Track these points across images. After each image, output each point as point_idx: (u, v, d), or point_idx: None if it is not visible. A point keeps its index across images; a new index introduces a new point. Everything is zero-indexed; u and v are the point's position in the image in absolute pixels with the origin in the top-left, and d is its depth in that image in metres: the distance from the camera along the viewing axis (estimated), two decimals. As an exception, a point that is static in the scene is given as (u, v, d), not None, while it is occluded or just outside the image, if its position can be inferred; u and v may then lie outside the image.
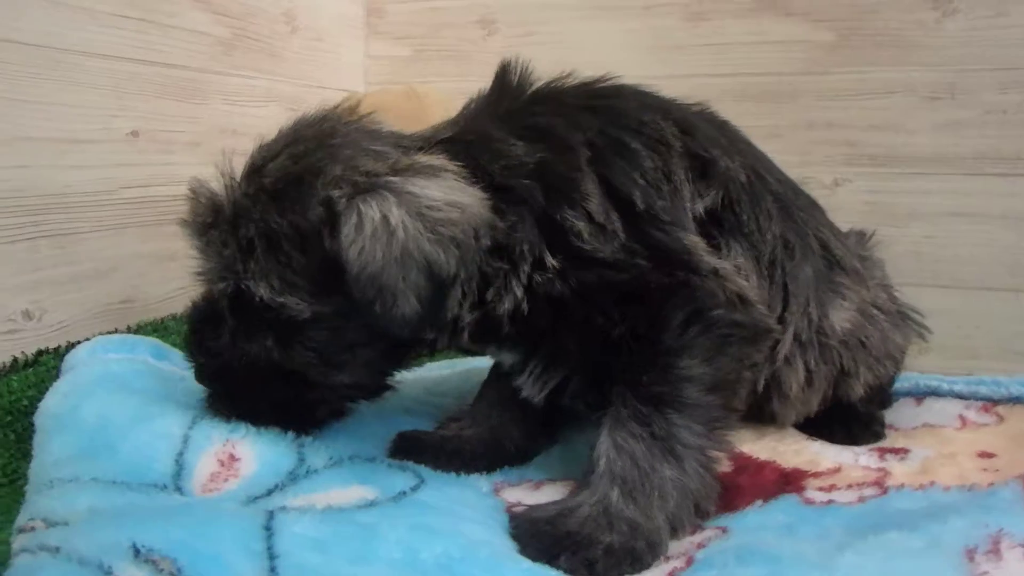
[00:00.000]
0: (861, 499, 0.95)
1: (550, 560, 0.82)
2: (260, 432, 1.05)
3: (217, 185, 0.95)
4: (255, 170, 0.93)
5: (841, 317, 1.08)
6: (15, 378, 1.13)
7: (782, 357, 1.03)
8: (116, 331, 1.31)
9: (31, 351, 1.19)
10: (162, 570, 0.73)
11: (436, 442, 1.10)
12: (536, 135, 0.95)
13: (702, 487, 0.90)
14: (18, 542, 0.78)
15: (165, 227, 1.43)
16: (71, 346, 1.20)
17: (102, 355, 1.16)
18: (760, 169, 1.06)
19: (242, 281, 0.90)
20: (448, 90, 1.88)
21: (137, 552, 0.74)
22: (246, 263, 0.90)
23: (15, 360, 1.17)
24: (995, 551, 0.78)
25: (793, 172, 1.15)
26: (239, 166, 0.96)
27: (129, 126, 1.34)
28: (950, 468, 1.01)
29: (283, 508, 0.87)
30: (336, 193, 0.86)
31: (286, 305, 0.90)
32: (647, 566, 0.84)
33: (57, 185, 1.23)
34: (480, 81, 1.88)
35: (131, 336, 1.28)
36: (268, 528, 0.80)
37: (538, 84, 1.03)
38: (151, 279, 1.43)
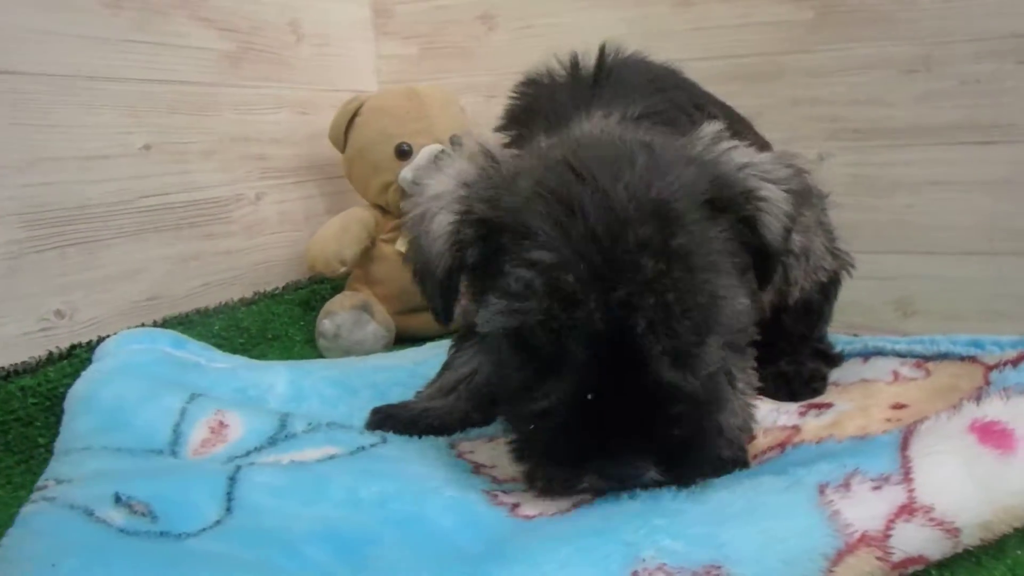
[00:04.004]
0: (760, 462, 1.03)
1: None
2: (247, 404, 1.22)
3: None
4: None
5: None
6: (51, 369, 1.29)
7: None
8: (143, 325, 1.47)
9: (65, 346, 1.35)
10: (136, 512, 0.88)
11: (406, 413, 1.21)
12: None
13: None
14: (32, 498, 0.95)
15: (184, 231, 1.60)
16: (101, 340, 1.36)
17: (126, 346, 1.33)
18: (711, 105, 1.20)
19: None
20: (456, 85, 2.02)
21: (119, 499, 0.89)
22: None
23: (50, 354, 1.33)
24: (845, 485, 0.84)
25: (780, 148, 1.19)
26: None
27: (141, 141, 1.49)
28: (858, 420, 1.09)
29: (251, 464, 1.01)
30: None
31: None
32: None
33: (79, 198, 1.39)
34: (483, 75, 2.03)
35: (154, 329, 1.44)
36: (232, 479, 0.95)
37: None
38: (175, 278, 1.59)
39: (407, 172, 1.71)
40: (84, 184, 1.40)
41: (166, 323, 1.52)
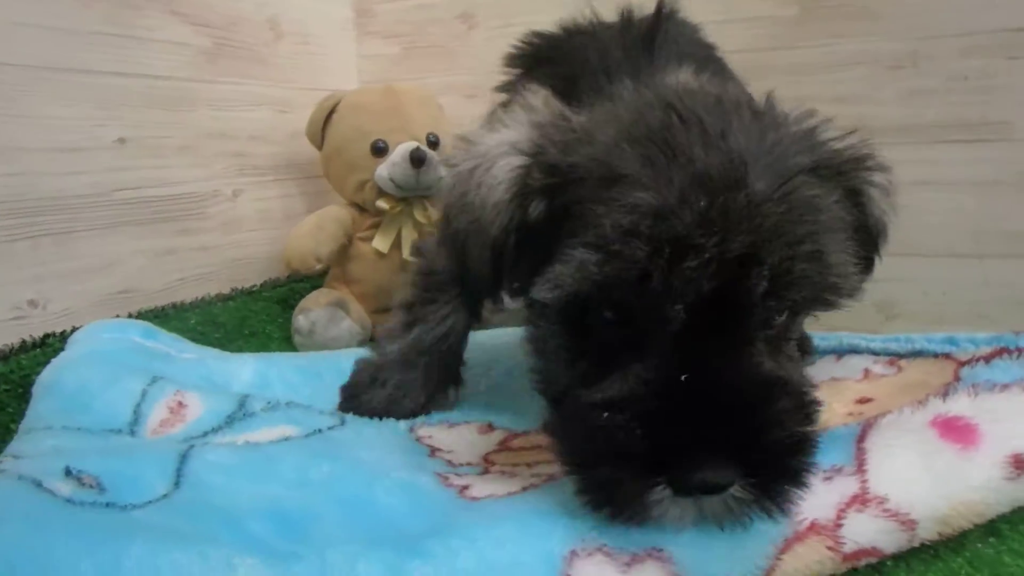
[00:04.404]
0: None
1: None
2: (207, 386, 1.23)
3: None
4: None
5: None
6: (23, 357, 1.30)
7: None
8: (118, 317, 1.47)
9: (38, 335, 1.35)
10: (84, 484, 0.89)
11: (374, 400, 1.18)
12: None
13: None
14: (-14, 472, 0.95)
15: (160, 225, 1.60)
16: (75, 330, 1.36)
17: (96, 335, 1.34)
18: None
19: None
20: (436, 84, 2.01)
21: (69, 472, 0.90)
22: None
23: (23, 342, 1.33)
24: None
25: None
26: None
27: (115, 134, 1.50)
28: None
29: (205, 443, 1.02)
30: None
31: None
32: None
33: (51, 189, 1.39)
34: (464, 75, 2.02)
35: (125, 320, 1.45)
36: (184, 456, 0.96)
37: None
38: (150, 272, 1.59)
39: (383, 169, 1.70)
40: (56, 176, 1.40)
41: (141, 316, 1.52)
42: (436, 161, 1.70)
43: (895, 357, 1.29)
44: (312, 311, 1.66)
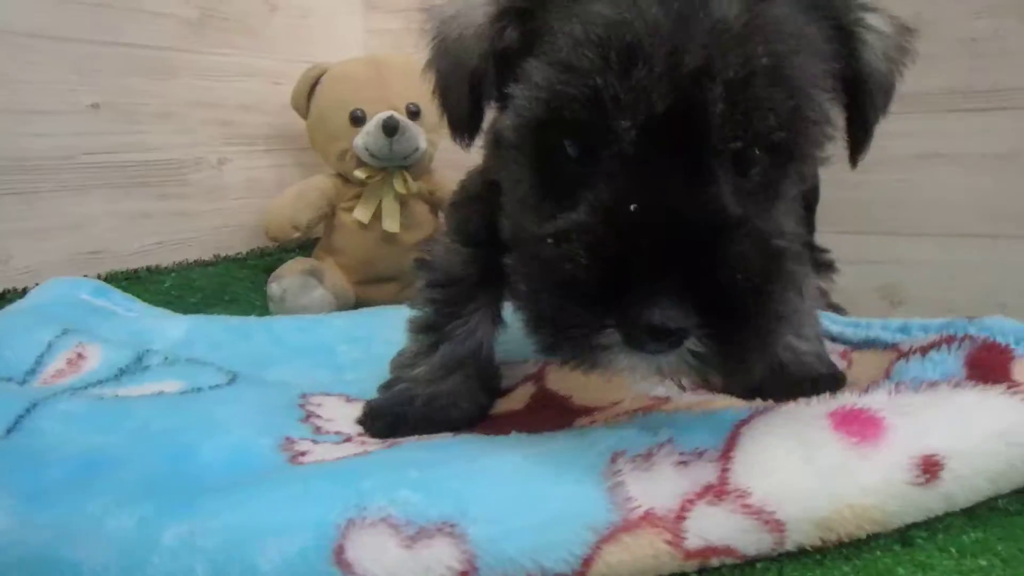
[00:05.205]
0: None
1: None
2: (127, 340, 1.23)
3: None
4: None
5: None
6: (-23, 311, 1.35)
7: None
8: (86, 277, 1.51)
9: (-2, 290, 1.40)
10: None
11: (412, 409, 1.03)
12: None
13: None
14: None
15: (135, 189, 1.64)
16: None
17: (49, 290, 1.38)
18: None
19: None
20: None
21: None
22: None
23: (-19, 295, 1.39)
24: (646, 456, 0.74)
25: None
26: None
27: (89, 100, 1.54)
28: (729, 399, 0.95)
29: (72, 394, 1.01)
30: None
31: None
32: None
33: (18, 150, 1.44)
34: (463, 48, 1.97)
35: (81, 279, 1.48)
36: (35, 404, 0.95)
37: None
38: (122, 234, 1.62)
39: (359, 139, 1.69)
40: (24, 137, 1.45)
41: (111, 277, 1.56)
42: (414, 131, 1.68)
43: (848, 349, 1.17)
44: (285, 278, 1.66)
